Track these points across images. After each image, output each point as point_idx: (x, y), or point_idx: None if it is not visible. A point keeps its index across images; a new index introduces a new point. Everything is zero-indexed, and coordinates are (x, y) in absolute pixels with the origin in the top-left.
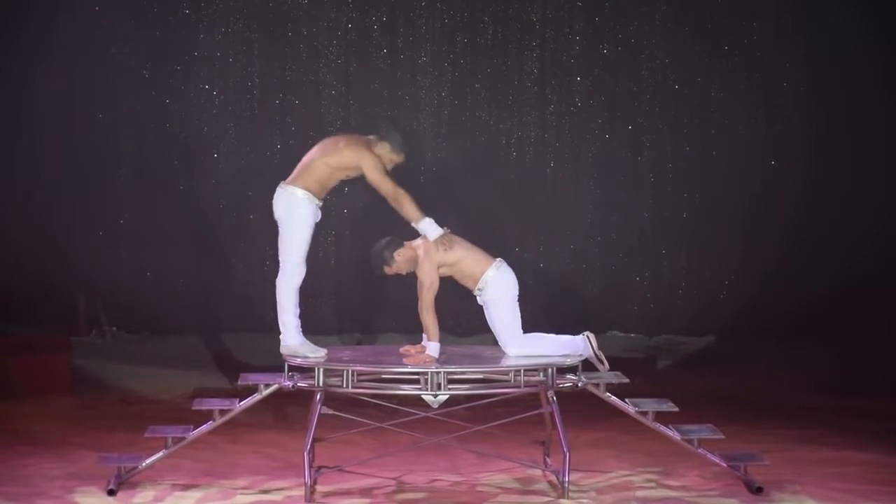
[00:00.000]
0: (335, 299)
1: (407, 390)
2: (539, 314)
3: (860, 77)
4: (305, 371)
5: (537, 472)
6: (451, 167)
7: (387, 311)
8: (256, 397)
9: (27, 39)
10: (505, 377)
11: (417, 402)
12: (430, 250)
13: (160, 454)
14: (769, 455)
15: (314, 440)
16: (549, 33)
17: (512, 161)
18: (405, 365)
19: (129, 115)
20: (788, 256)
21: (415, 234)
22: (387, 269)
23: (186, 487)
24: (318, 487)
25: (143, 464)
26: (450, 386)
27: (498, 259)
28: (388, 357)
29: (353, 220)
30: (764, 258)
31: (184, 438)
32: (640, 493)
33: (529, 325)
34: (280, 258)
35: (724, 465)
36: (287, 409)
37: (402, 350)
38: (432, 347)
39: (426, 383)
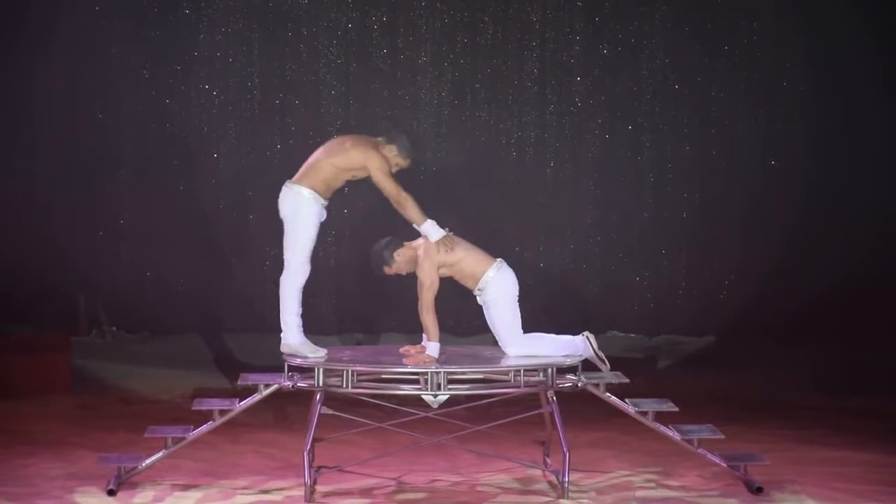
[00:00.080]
0: (335, 299)
1: (407, 390)
2: (539, 314)
3: (860, 77)
4: (305, 371)
5: (537, 472)
6: (451, 167)
7: (387, 312)
8: (256, 397)
9: (27, 39)
10: (505, 377)
11: (417, 402)
12: (431, 250)
13: (160, 454)
14: (769, 455)
15: (314, 440)
16: (549, 33)
17: (512, 161)
18: (405, 365)
19: (129, 115)
20: (788, 256)
21: (415, 235)
22: (387, 270)
23: (186, 487)
24: (318, 487)
25: (143, 464)
26: (450, 386)
27: (498, 259)
28: (387, 357)
29: (353, 221)
30: (764, 258)
31: (184, 438)
32: (640, 494)
33: (529, 325)
34: (285, 257)
35: (724, 465)
36: (287, 409)
37: (401, 350)
38: (432, 347)
39: (426, 383)
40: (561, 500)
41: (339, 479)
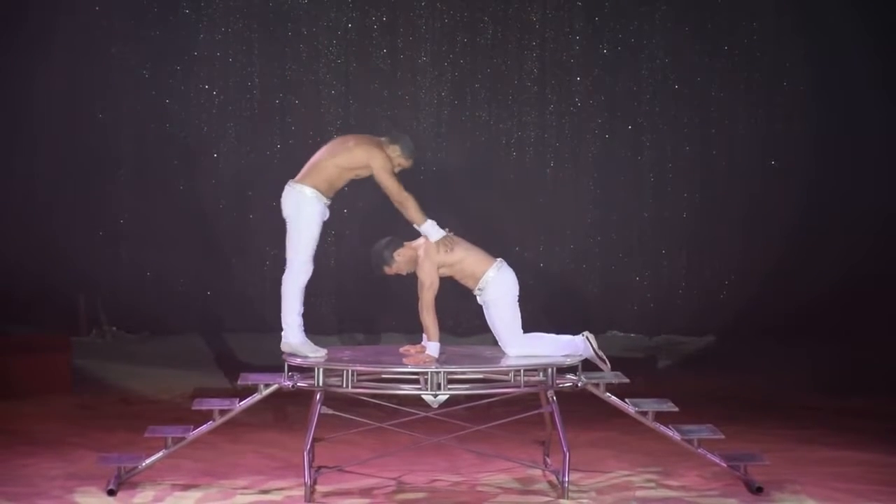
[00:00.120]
0: (335, 299)
1: (407, 390)
2: (539, 314)
3: (860, 77)
4: (305, 371)
5: (537, 472)
6: (451, 167)
7: (387, 312)
8: (256, 397)
9: (27, 39)
10: (505, 377)
11: (417, 401)
12: (431, 250)
13: (160, 454)
14: (769, 455)
15: (314, 440)
16: (548, 33)
17: (512, 161)
18: (405, 365)
19: (129, 115)
20: (788, 256)
21: (415, 235)
22: (387, 270)
23: (186, 487)
24: (318, 487)
25: (143, 464)
26: (450, 386)
27: (498, 259)
28: (387, 357)
29: (353, 221)
30: (764, 258)
31: (184, 438)
32: (640, 493)
33: (529, 325)
34: (287, 256)
35: (724, 464)
36: (287, 408)
37: (401, 350)
38: (432, 347)
39: (426, 383)
40: (561, 500)
41: (339, 478)
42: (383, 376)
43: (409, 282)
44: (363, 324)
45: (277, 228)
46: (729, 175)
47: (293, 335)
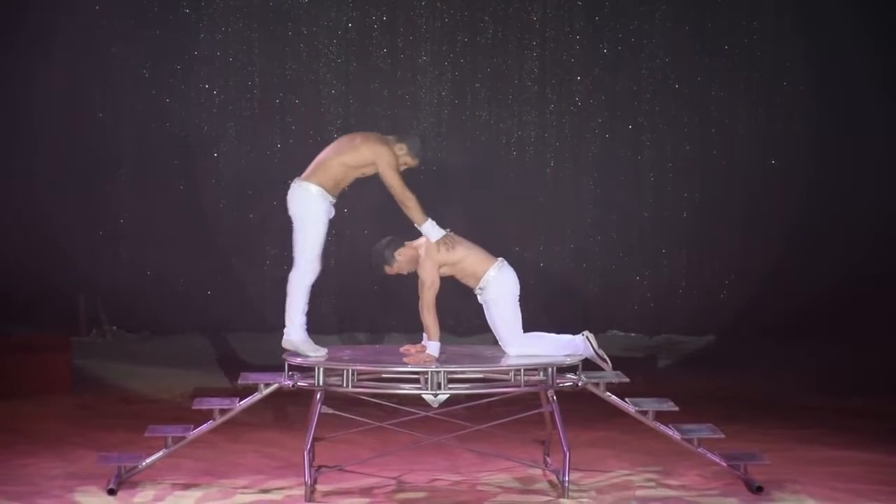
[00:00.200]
0: (335, 299)
1: (407, 390)
2: (539, 313)
3: (860, 76)
4: (305, 370)
5: (537, 472)
6: (451, 166)
7: (387, 311)
8: (256, 396)
9: (27, 39)
10: (505, 377)
11: (417, 401)
12: (432, 250)
13: (160, 453)
14: (769, 454)
15: (314, 439)
16: (549, 32)
17: (512, 160)
18: (405, 364)
19: (129, 114)
20: (788, 256)
21: (416, 235)
22: (387, 269)
23: (186, 487)
24: (319, 487)
25: (144, 463)
26: (450, 385)
27: (499, 258)
28: (388, 356)
29: (353, 221)
30: (764, 258)
31: (184, 438)
32: (640, 493)
33: (530, 325)
34: (294, 254)
35: (724, 464)
36: (287, 408)
37: (402, 349)
38: (433, 347)
39: (426, 383)
40: (561, 500)
41: (339, 478)
42: (383, 376)
43: (409, 281)
44: (363, 324)
45: (277, 228)
46: (729, 175)
47: (295, 333)
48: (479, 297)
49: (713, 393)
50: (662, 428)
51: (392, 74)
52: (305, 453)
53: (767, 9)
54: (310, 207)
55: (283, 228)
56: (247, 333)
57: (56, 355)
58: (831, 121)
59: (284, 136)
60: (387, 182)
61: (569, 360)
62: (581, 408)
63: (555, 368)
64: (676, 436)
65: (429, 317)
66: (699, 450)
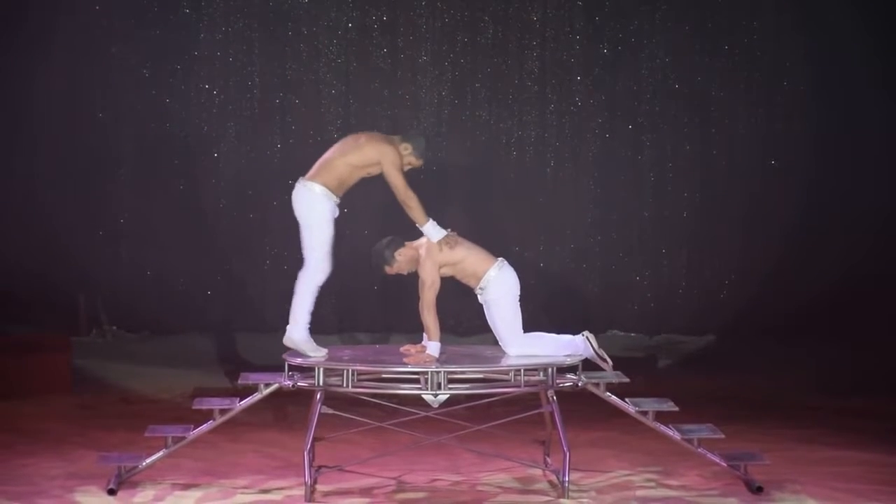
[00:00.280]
0: (335, 299)
1: (407, 390)
2: (539, 313)
3: (860, 76)
4: (305, 370)
5: (537, 472)
6: (451, 166)
7: (388, 311)
8: (257, 397)
9: (27, 39)
10: (505, 377)
11: (418, 401)
12: (433, 250)
13: (160, 453)
14: (769, 454)
15: (314, 439)
16: (549, 32)
17: (512, 160)
18: (405, 364)
19: (129, 114)
20: (788, 256)
21: (416, 235)
22: (387, 269)
23: (187, 487)
24: (319, 487)
25: (144, 463)
26: (450, 385)
27: (500, 258)
28: (388, 356)
29: (353, 221)
30: (764, 257)
31: (184, 438)
32: (640, 493)
33: (530, 325)
34: (304, 254)
35: (724, 464)
36: (287, 408)
37: (402, 349)
38: (433, 347)
39: (426, 383)
40: (561, 500)
41: (339, 478)
42: (383, 376)
43: (409, 281)
44: (363, 324)
45: (277, 228)
46: (729, 174)
47: (298, 332)
48: (479, 297)
49: (713, 393)
50: (662, 428)
51: (392, 74)
52: (305, 453)
53: (767, 8)
54: (314, 207)
55: (284, 228)
56: (247, 333)
57: (56, 355)
58: (831, 120)
59: (284, 136)
60: (390, 182)
61: (569, 361)
62: (581, 408)
63: (555, 368)
64: (676, 436)
65: (429, 317)
66: (699, 450)
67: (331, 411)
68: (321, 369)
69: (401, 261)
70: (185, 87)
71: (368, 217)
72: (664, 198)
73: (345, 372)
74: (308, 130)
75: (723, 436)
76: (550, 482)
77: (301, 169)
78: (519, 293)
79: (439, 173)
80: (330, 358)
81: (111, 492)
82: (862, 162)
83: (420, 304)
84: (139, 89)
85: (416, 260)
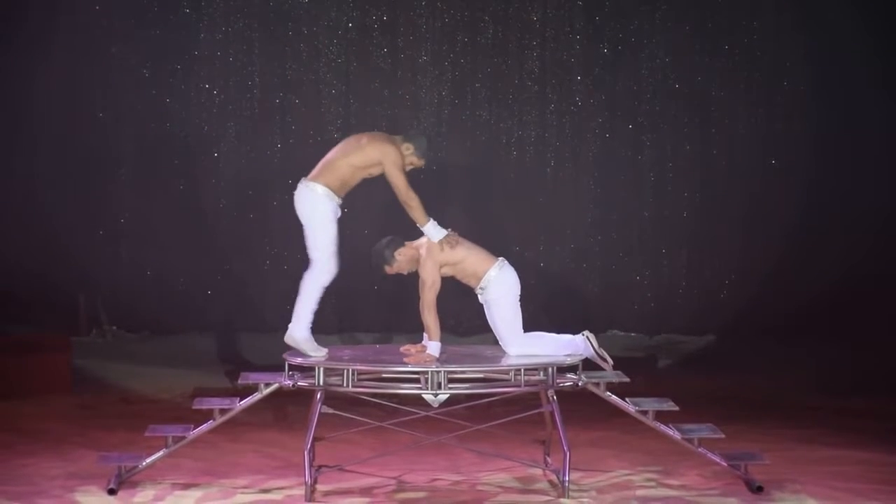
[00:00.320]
0: (335, 299)
1: (407, 389)
2: (539, 313)
3: (860, 76)
4: (306, 370)
5: (538, 472)
6: (451, 166)
7: (388, 311)
8: (257, 396)
9: (27, 39)
10: (505, 376)
11: (418, 401)
12: (433, 249)
13: (160, 453)
14: (769, 454)
15: (314, 439)
16: (549, 32)
17: (512, 160)
18: (405, 364)
19: (129, 114)
20: (788, 256)
21: (415, 235)
22: (387, 269)
23: (187, 486)
24: (319, 486)
25: (144, 463)
26: (450, 385)
27: (500, 258)
28: (388, 356)
29: (353, 220)
30: (764, 257)
31: (184, 438)
32: (640, 493)
33: (530, 325)
34: (310, 255)
35: (725, 464)
36: (287, 408)
37: (402, 349)
38: (433, 347)
39: (426, 382)
40: (561, 500)
41: (339, 478)
42: (384, 375)
43: (410, 281)
44: (363, 323)
45: (277, 228)
46: (729, 174)
47: (299, 331)
48: (479, 296)
49: (713, 393)
50: (663, 428)
51: (392, 74)
52: (305, 453)
53: (767, 8)
54: (317, 208)
55: (284, 228)
56: (247, 333)
57: (56, 355)
58: (831, 120)
59: (284, 136)
60: (392, 182)
61: (569, 360)
62: (581, 408)
63: (555, 368)
64: (677, 436)
65: (429, 317)
66: (699, 450)
67: (331, 411)
68: (321, 369)
69: (401, 260)
70: (185, 87)
71: (368, 217)
72: (664, 198)
73: (345, 372)
74: (308, 130)
75: (723, 436)
76: (551, 482)
77: (301, 169)
78: (519, 293)
79: (439, 173)
80: (330, 358)
81: (111, 492)
82: (862, 162)
83: (420, 303)
84: (139, 89)
85: (417, 260)
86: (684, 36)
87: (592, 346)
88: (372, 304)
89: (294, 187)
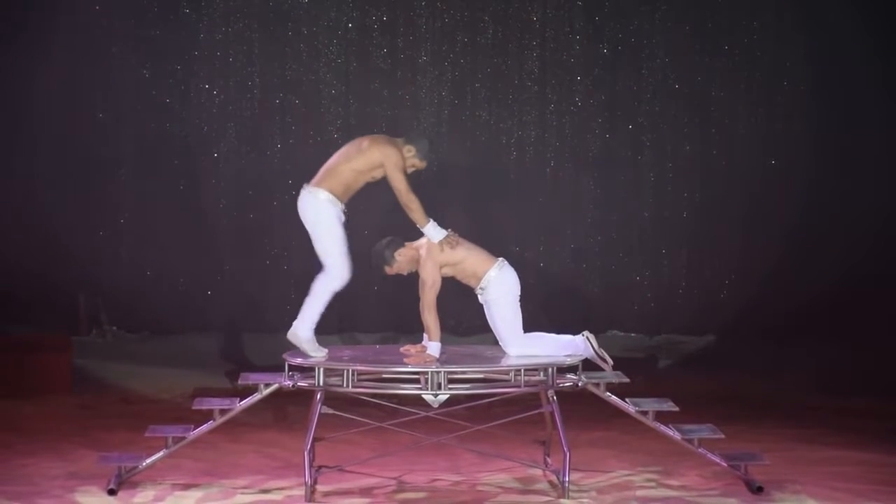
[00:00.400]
0: (335, 299)
1: (407, 390)
2: (539, 313)
3: (860, 75)
4: (305, 370)
5: (538, 472)
6: (451, 166)
7: (388, 312)
8: (257, 397)
9: (27, 39)
10: (505, 377)
11: (418, 401)
12: (434, 250)
13: (160, 454)
14: (769, 454)
15: (314, 440)
16: (549, 32)
17: (512, 160)
18: (406, 364)
19: (129, 114)
20: (788, 255)
21: (415, 235)
22: (387, 269)
23: (187, 487)
24: (319, 487)
25: (144, 463)
26: (450, 385)
27: (500, 259)
28: (388, 356)
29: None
30: (764, 257)
31: (184, 438)
32: (640, 493)
33: (530, 325)
34: (323, 261)
35: (725, 464)
36: (287, 408)
37: (402, 350)
38: (433, 347)
39: (426, 383)
40: (561, 500)
41: (339, 478)
42: (384, 376)
43: (410, 281)
44: (363, 323)
45: (277, 228)
46: (729, 174)
47: (303, 330)
48: (479, 297)
49: (713, 393)
50: (663, 428)
51: (392, 74)
52: (305, 453)
53: (767, 8)
54: (321, 214)
55: (284, 228)
56: (247, 334)
57: (56, 355)
58: (831, 120)
59: (284, 136)
60: (392, 183)
61: (569, 361)
62: (581, 408)
63: (555, 368)
64: (677, 436)
65: (430, 317)
66: (699, 450)
67: (331, 411)
68: (321, 369)
69: (401, 261)
70: (185, 87)
71: (368, 217)
72: (664, 198)
73: (345, 372)
74: (308, 130)
75: (723, 436)
76: (551, 482)
77: (301, 169)
78: (519, 293)
79: (439, 173)
80: (330, 358)
81: (111, 492)
82: (862, 162)
83: (420, 304)
84: (139, 89)
85: (416, 260)
86: (684, 36)
87: (592, 346)
88: (372, 304)
89: (294, 187)
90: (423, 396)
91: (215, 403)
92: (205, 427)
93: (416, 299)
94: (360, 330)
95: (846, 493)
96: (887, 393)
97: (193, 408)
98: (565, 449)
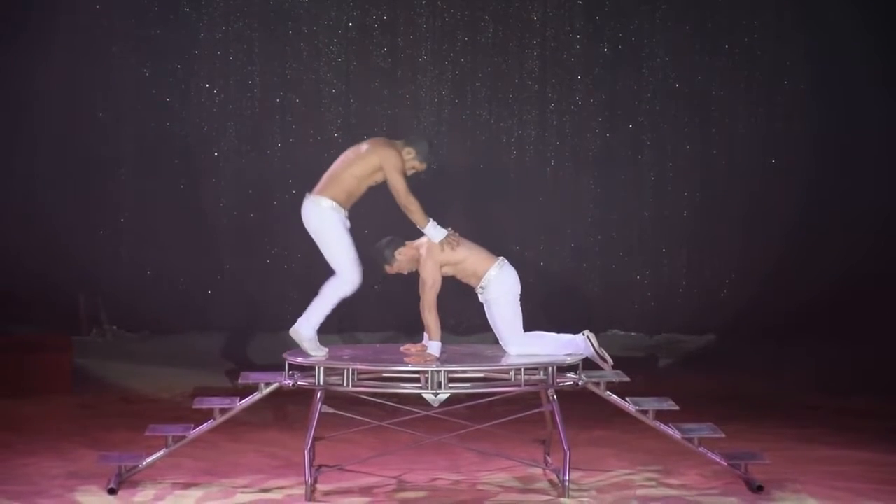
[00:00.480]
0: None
1: (407, 389)
2: (539, 313)
3: (860, 75)
4: (306, 370)
5: (538, 471)
6: (451, 166)
7: (388, 311)
8: (257, 396)
9: (27, 39)
10: (505, 376)
11: (418, 400)
12: (434, 249)
13: (161, 453)
14: (769, 454)
15: (315, 439)
16: (549, 32)
17: (512, 159)
18: (406, 364)
19: (129, 114)
20: (788, 255)
21: (415, 234)
22: (388, 269)
23: (187, 486)
24: (319, 486)
25: (144, 463)
26: (450, 385)
27: (500, 258)
28: (388, 356)
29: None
30: (764, 257)
31: (184, 437)
32: (640, 492)
33: (530, 324)
34: (334, 268)
35: (725, 463)
36: (287, 407)
37: (402, 349)
38: (433, 346)
39: (427, 382)
40: (561, 499)
41: (339, 477)
42: (384, 375)
43: (410, 281)
44: (363, 323)
45: (277, 227)
46: (729, 174)
47: (306, 329)
48: (479, 296)
49: (713, 392)
50: (663, 427)
51: (392, 74)
52: (306, 452)
53: (767, 8)
54: (324, 221)
55: (284, 228)
56: (247, 333)
57: (56, 355)
58: (832, 119)
59: (284, 135)
60: (391, 185)
61: (569, 360)
62: (581, 407)
63: (555, 368)
64: (677, 435)
65: (430, 316)
66: (699, 449)
67: (331, 410)
68: (321, 368)
69: (401, 260)
70: (185, 87)
71: (368, 217)
72: (664, 198)
73: (345, 371)
74: (308, 130)
75: (723, 435)
76: (551, 481)
77: (301, 168)
78: (519, 292)
79: (439, 173)
80: (330, 357)
81: (111, 491)
82: (862, 161)
83: (421, 303)
84: (139, 89)
85: (417, 259)
86: (684, 36)
87: (592, 345)
88: (372, 304)
89: (294, 187)
90: (424, 395)
91: (215, 403)
92: (205, 426)
93: (416, 299)
94: (360, 330)
95: (846, 492)
96: (887, 392)
97: (193, 407)
98: (565, 448)
